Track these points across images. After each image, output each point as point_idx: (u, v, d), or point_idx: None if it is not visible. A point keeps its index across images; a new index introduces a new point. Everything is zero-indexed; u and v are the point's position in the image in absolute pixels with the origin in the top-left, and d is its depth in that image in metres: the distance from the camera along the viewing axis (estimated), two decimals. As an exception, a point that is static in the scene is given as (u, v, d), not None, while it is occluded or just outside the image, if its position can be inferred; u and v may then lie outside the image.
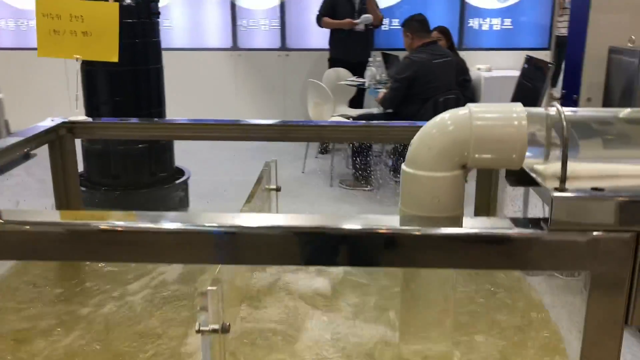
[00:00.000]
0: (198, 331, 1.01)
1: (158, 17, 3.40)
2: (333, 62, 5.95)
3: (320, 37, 6.45)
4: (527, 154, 0.99)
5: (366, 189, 4.96)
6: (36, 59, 6.28)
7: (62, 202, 1.76)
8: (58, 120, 1.75)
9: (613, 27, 2.89)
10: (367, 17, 5.86)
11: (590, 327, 0.96)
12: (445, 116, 1.01)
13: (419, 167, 1.00)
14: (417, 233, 0.90)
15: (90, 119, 1.80)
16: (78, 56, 1.70)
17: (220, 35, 6.90)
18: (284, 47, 6.87)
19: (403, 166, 1.03)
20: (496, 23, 6.68)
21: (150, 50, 3.37)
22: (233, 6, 6.78)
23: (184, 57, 6.80)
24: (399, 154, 4.79)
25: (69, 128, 1.76)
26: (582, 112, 1.08)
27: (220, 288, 1.02)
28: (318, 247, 0.91)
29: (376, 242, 0.90)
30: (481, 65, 6.36)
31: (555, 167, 0.96)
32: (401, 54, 5.20)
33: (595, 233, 0.90)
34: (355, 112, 5.72)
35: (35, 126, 1.72)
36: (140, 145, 3.32)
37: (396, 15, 6.67)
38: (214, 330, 1.01)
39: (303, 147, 5.59)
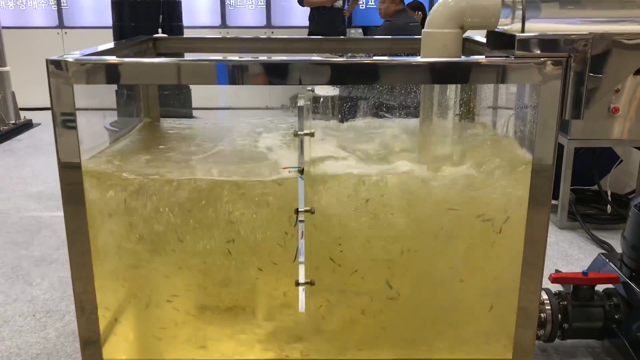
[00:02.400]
0: (295, 135, 1.58)
1: (179, -16, 3.95)
2: (313, 38, 6.48)
3: (302, 15, 7.00)
4: (500, 20, 1.59)
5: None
6: (36, 37, 6.70)
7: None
8: (144, 37, 2.30)
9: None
10: None
11: (541, 123, 1.55)
12: (448, -4, 1.61)
13: (434, 27, 1.59)
14: (437, 60, 1.49)
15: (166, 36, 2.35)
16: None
17: (210, 13, 7.41)
18: (269, 25, 7.42)
19: (424, 30, 1.62)
20: None
21: (173, 11, 3.90)
22: (222, -14, 7.31)
23: (175, 35, 7.30)
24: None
25: (153, 42, 2.31)
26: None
27: (306, 105, 1.59)
28: (374, 72, 1.49)
29: (412, 69, 1.49)
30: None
31: (517, 25, 1.57)
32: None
33: (542, 59, 1.50)
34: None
35: (125, 40, 2.26)
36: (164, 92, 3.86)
37: (372, -5, 7.29)
38: (306, 134, 1.58)
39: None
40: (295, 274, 1.67)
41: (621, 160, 3.94)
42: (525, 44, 1.50)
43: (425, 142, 1.73)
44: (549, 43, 1.51)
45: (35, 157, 5.15)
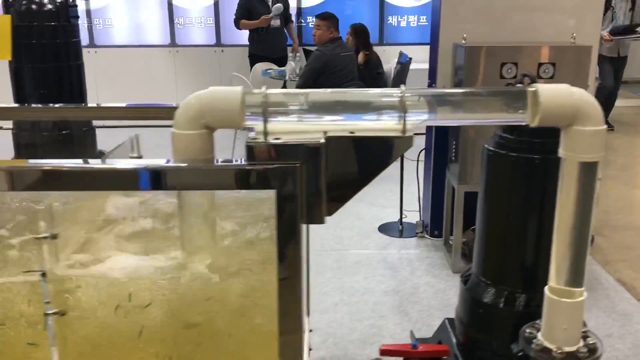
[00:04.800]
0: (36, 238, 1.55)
1: (77, 20, 3.89)
2: (254, 59, 6.40)
3: (252, 34, 6.97)
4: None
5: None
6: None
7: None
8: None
9: (457, 27, 3.48)
10: (278, 7, 6.31)
11: (281, 229, 1.51)
12: (191, 97, 1.56)
13: (179, 128, 1.55)
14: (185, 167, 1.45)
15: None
16: (-19, 57, 2.20)
17: (159, 32, 7.38)
18: (219, 44, 7.38)
19: (172, 130, 1.58)
20: (413, 20, 7.29)
21: (71, 49, 3.85)
22: (170, 5, 7.27)
23: (124, 54, 7.28)
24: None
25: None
26: (286, 92, 1.62)
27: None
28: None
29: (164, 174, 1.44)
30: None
31: (261, 126, 1.53)
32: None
33: (275, 165, 1.46)
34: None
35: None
36: (63, 132, 3.82)
37: (321, 14, 7.23)
38: (45, 237, 1.55)
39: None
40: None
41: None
42: (257, 150, 1.46)
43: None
44: (282, 149, 1.47)
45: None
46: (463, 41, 3.37)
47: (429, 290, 3.39)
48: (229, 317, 1.61)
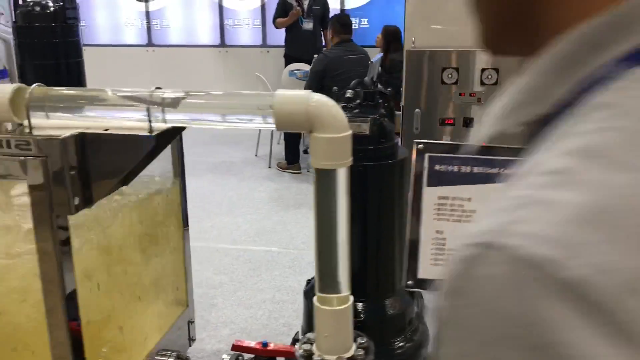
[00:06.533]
0: None
1: (75, 22, 4.22)
2: (288, 59, 6.57)
3: (295, 35, 7.10)
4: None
5: (295, 171, 5.61)
6: None
7: None
8: None
9: (416, 31, 3.42)
10: None
11: (36, 220, 1.62)
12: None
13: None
14: None
15: None
16: None
17: (210, 33, 7.72)
18: (265, 44, 7.59)
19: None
20: (457, 23, 7.10)
21: (70, 47, 4.20)
22: (220, 7, 7.58)
23: (178, 53, 7.69)
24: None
25: None
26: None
27: None
28: None
29: None
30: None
31: (38, 121, 1.65)
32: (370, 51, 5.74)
33: (21, 158, 1.57)
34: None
35: None
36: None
37: (364, 15, 7.23)
38: None
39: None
40: None
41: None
42: (8, 143, 1.59)
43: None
44: (30, 143, 1.58)
45: None
46: (412, 45, 3.31)
47: (364, 295, 3.35)
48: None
